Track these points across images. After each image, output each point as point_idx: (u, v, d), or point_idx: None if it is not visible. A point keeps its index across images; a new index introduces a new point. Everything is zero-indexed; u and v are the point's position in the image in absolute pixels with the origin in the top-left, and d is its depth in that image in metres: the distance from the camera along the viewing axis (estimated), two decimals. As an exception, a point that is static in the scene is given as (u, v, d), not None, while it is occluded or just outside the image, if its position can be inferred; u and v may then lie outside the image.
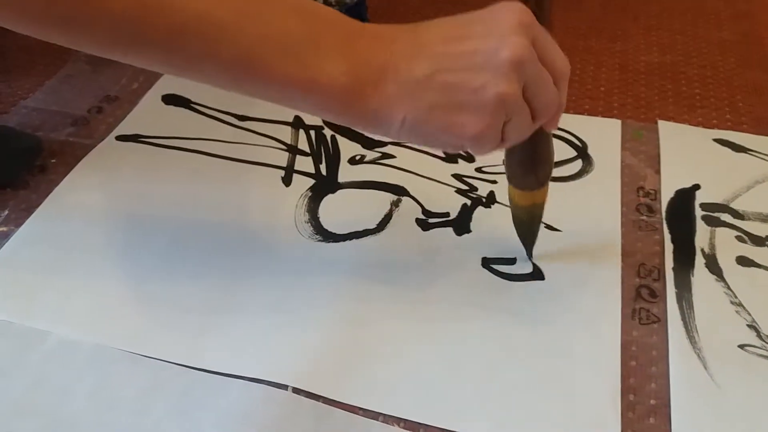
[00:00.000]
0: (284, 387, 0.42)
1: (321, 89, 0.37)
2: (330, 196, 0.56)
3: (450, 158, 0.59)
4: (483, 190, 0.56)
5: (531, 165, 0.43)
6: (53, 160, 0.59)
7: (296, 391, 0.42)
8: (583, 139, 0.61)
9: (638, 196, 0.55)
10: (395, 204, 0.55)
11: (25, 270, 0.50)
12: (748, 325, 0.46)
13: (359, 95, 0.37)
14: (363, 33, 0.38)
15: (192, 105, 0.64)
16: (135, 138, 0.61)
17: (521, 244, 0.49)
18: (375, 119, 0.38)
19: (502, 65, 0.36)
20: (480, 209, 0.54)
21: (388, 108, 0.38)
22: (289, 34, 0.37)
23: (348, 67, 0.37)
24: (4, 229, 0.53)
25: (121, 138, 0.61)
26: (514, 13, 0.37)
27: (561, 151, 0.60)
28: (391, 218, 0.54)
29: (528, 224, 0.48)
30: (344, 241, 0.52)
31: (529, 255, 0.49)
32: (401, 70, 0.37)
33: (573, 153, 0.60)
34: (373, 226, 0.53)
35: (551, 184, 0.56)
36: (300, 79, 0.37)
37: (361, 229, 0.52)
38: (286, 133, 0.62)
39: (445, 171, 0.58)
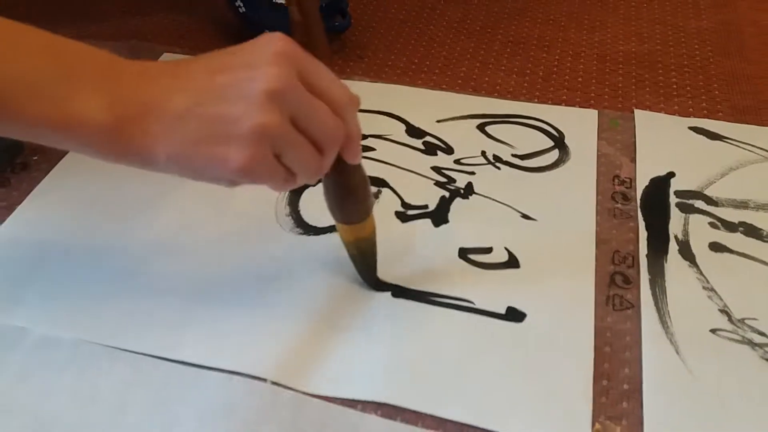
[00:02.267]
0: (263, 380, 0.43)
1: (78, 128, 0.36)
2: (311, 188, 0.56)
3: (429, 151, 0.60)
4: (461, 181, 0.57)
5: (341, 198, 0.43)
6: (35, 157, 0.59)
7: (275, 383, 0.42)
8: (561, 129, 0.62)
9: (614, 185, 0.56)
10: (374, 196, 0.55)
11: (6, 268, 0.50)
12: (719, 310, 0.46)
13: (121, 133, 0.36)
14: (125, 69, 0.37)
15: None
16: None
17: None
18: (139, 157, 0.37)
19: (258, 96, 0.35)
20: (458, 200, 0.55)
21: (152, 145, 0.36)
22: (38, 72, 0.36)
23: (107, 103, 0.36)
24: (-14, 227, 0.53)
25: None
26: (273, 44, 0.36)
27: (538, 141, 0.61)
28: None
29: (359, 259, 0.47)
30: (325, 234, 0.52)
31: (371, 286, 0.48)
32: (163, 106, 0.36)
33: (550, 143, 0.60)
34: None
35: (529, 175, 0.57)
36: (53, 119, 0.36)
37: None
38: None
39: (424, 163, 0.59)
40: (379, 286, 0.48)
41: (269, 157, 0.37)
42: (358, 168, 0.42)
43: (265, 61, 0.36)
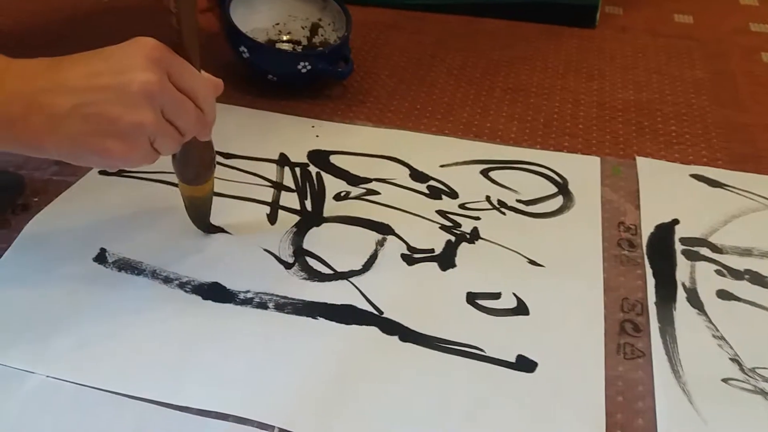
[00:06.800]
0: (270, 428, 0.42)
1: None
2: (315, 229, 0.56)
3: (434, 195, 0.60)
4: (467, 226, 0.57)
5: (184, 164, 0.50)
6: (36, 199, 0.59)
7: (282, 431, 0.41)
8: (564, 175, 0.62)
9: (619, 231, 0.56)
10: (380, 243, 0.55)
11: (4, 309, 0.49)
12: (730, 359, 0.46)
13: (8, 129, 0.42)
14: (8, 70, 0.42)
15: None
16: (118, 172, 0.61)
17: None
18: (29, 148, 0.43)
19: (133, 98, 0.41)
20: (464, 245, 0.55)
21: (38, 139, 0.42)
22: None
23: None
24: (-15, 268, 0.52)
25: (104, 172, 0.61)
26: (143, 50, 0.42)
27: (542, 187, 0.61)
28: (376, 258, 0.54)
29: (192, 210, 0.54)
30: (331, 281, 0.52)
31: (202, 230, 0.55)
32: (45, 106, 0.41)
33: (554, 189, 0.61)
34: (358, 267, 0.53)
35: (534, 221, 0.58)
36: None
37: (346, 270, 0.52)
38: (271, 171, 0.62)
39: (429, 207, 0.59)
40: (210, 230, 0.55)
41: (146, 146, 0.44)
42: (207, 143, 0.49)
43: (140, 66, 0.42)
